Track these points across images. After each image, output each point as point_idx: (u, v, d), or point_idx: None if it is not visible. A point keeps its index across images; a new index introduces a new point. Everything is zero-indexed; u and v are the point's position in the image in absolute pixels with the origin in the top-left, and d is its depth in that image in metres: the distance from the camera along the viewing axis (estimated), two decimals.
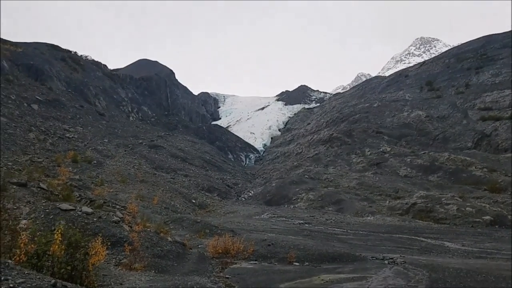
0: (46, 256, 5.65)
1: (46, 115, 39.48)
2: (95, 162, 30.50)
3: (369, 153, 44.38)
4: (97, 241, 6.55)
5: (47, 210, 9.24)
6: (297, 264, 10.02)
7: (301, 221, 21.77)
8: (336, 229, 18.98)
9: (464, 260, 10.56)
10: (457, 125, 46.68)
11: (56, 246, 5.67)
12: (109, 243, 7.75)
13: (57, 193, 16.12)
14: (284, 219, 23.31)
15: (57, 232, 5.80)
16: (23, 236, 5.60)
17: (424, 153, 40.78)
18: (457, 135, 44.17)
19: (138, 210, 16.45)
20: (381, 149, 44.04)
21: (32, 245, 5.57)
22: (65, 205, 9.39)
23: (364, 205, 30.17)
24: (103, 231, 8.83)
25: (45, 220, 8.82)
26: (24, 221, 8.52)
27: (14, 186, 14.59)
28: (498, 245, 13.94)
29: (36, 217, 8.94)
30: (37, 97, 42.82)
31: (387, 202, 30.78)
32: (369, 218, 26.56)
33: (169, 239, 10.63)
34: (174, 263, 9.12)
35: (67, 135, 36.37)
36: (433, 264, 9.10)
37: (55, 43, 67.53)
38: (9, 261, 4.95)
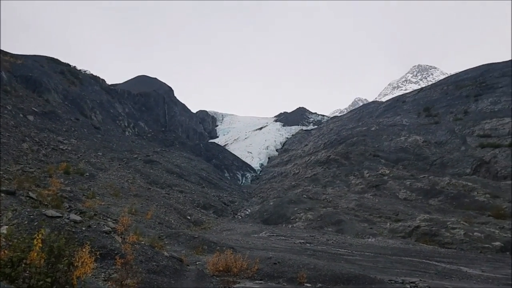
0: (23, 265, 4.71)
1: (41, 126, 38.56)
2: (87, 174, 29.47)
3: (367, 175, 43.66)
4: (84, 250, 5.57)
5: (31, 216, 8.28)
6: (308, 285, 9.00)
7: (302, 241, 20.74)
8: (339, 249, 17.97)
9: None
10: (455, 151, 46.05)
11: (35, 254, 4.73)
12: (98, 255, 6.77)
13: (46, 203, 15.22)
14: (283, 238, 22.25)
15: (37, 237, 4.86)
16: None
17: (423, 177, 40.08)
18: (455, 161, 43.44)
19: (130, 223, 15.43)
20: (379, 172, 43.34)
21: (5, 251, 4.62)
22: (51, 212, 8.44)
23: (364, 227, 29.24)
24: (92, 242, 7.83)
25: (29, 227, 7.86)
26: (4, 227, 7.56)
27: (2, 194, 13.85)
28: None
29: (19, 223, 7.99)
30: (34, 108, 42.03)
31: (388, 224, 29.88)
32: (370, 239, 25.60)
33: (165, 254, 9.63)
34: (171, 280, 8.11)
35: (61, 146, 35.39)
36: None
37: (55, 57, 67.32)
38: None
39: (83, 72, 70.31)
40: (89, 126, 49.01)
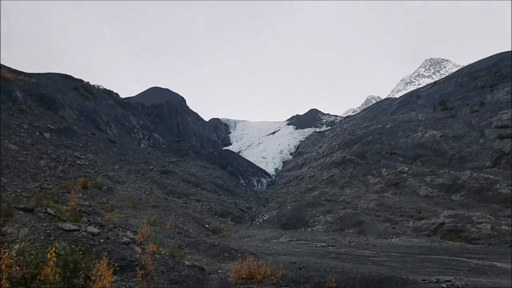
0: (37, 281, 4.45)
1: (57, 143, 38.98)
2: (105, 188, 29.56)
3: (386, 173, 42.75)
4: (101, 262, 5.30)
5: (47, 231, 8.10)
6: None
7: (324, 244, 20.24)
8: (364, 251, 17.43)
9: None
10: (474, 144, 44.77)
11: (49, 269, 4.46)
12: (117, 267, 6.50)
13: (65, 219, 15.15)
14: (304, 242, 21.78)
15: (51, 251, 4.60)
16: (4, 256, 4.34)
17: (444, 172, 38.99)
18: (475, 154, 42.21)
19: (149, 234, 15.25)
20: (398, 169, 42.39)
21: (17, 267, 4.37)
22: (68, 225, 8.25)
23: (386, 227, 28.52)
24: (111, 253, 7.58)
25: (45, 242, 7.66)
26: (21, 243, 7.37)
27: (21, 212, 13.81)
28: None
29: (35, 239, 7.81)
30: (49, 125, 42.58)
31: (411, 223, 29.09)
32: (394, 239, 24.88)
33: (186, 263, 9.34)
34: None
35: (78, 162, 35.66)
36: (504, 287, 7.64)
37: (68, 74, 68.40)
38: None
39: (96, 87, 71.22)
40: (105, 140, 49.44)
